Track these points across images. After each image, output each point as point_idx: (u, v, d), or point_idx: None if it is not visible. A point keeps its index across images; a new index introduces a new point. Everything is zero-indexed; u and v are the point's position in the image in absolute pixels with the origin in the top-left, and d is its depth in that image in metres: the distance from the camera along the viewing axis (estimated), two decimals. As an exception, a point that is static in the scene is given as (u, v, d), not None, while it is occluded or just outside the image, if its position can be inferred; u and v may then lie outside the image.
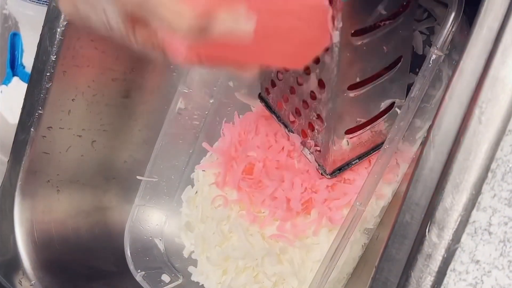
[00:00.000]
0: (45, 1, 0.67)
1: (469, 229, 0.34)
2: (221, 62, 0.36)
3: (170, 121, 0.63)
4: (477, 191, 0.34)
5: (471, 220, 0.34)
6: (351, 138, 0.48)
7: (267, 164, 0.57)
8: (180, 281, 0.63)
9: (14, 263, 0.58)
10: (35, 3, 0.68)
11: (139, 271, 0.62)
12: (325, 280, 0.46)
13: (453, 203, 0.34)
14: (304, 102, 0.47)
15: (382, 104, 0.48)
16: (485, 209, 0.34)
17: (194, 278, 0.62)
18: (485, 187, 0.34)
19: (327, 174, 0.52)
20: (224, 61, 0.36)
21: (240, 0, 0.32)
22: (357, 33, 0.40)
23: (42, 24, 0.56)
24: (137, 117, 0.65)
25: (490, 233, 0.34)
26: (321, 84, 0.44)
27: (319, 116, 0.46)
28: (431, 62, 0.42)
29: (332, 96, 0.43)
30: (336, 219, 0.53)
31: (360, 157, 0.52)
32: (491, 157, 0.34)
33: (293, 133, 0.54)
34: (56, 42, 0.55)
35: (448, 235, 0.34)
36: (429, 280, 0.35)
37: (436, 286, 0.35)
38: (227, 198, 0.59)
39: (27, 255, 0.58)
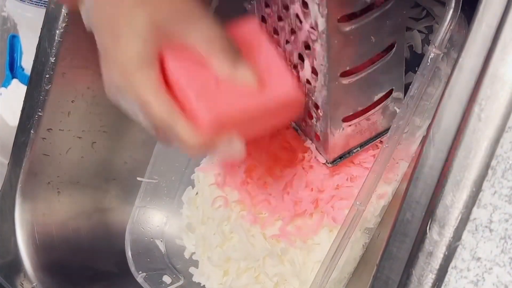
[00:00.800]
0: (44, 3, 0.67)
1: (470, 226, 0.34)
2: None
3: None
4: (477, 189, 0.34)
5: (471, 217, 0.34)
6: (349, 125, 0.48)
7: (271, 165, 0.57)
8: (181, 282, 0.63)
9: (15, 265, 0.58)
10: (33, 5, 0.68)
11: (140, 272, 0.62)
12: (326, 280, 0.46)
13: (454, 200, 0.34)
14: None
15: (379, 91, 0.48)
16: (486, 206, 0.34)
17: (195, 279, 0.62)
18: (486, 184, 0.34)
19: (328, 163, 0.52)
20: None
21: (232, 128, 0.42)
22: (345, 19, 0.40)
23: (41, 26, 0.56)
24: (137, 118, 0.65)
25: (491, 230, 0.34)
26: (314, 71, 0.43)
27: (316, 104, 0.46)
28: (429, 60, 0.42)
29: (325, 83, 0.43)
30: (339, 218, 0.53)
31: (362, 145, 0.52)
32: (491, 154, 0.34)
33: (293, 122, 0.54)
34: (55, 44, 0.55)
35: (449, 232, 0.34)
36: (430, 277, 0.35)
37: (437, 283, 0.35)
38: (227, 199, 0.59)
39: (28, 257, 0.58)
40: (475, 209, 0.34)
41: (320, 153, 0.53)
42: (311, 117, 0.49)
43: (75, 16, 0.55)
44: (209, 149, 0.42)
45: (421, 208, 0.36)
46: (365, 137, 0.51)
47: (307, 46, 0.42)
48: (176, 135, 0.41)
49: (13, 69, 0.75)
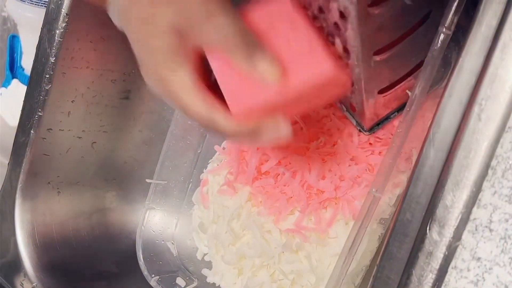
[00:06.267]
0: (44, 3, 0.67)
1: (470, 226, 0.34)
2: None
3: (176, 121, 0.62)
4: (477, 189, 0.34)
5: (471, 217, 0.34)
6: (385, 96, 0.47)
7: (282, 157, 0.56)
8: (195, 284, 0.62)
9: (15, 265, 0.58)
10: (34, 5, 0.68)
11: (153, 275, 0.62)
12: (344, 272, 0.45)
13: (454, 200, 0.34)
14: None
15: (414, 59, 0.46)
16: (486, 206, 0.34)
17: (209, 279, 0.61)
18: (486, 184, 0.34)
19: (365, 131, 0.52)
20: None
21: (277, 110, 0.41)
22: (375, 2, 0.38)
23: (41, 26, 0.56)
24: (137, 118, 0.65)
25: (491, 230, 0.34)
26: (346, 50, 0.42)
27: None
28: (440, 41, 0.40)
29: (358, 62, 0.42)
30: (356, 210, 0.52)
31: (399, 110, 0.51)
32: (491, 154, 0.34)
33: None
34: (55, 44, 0.55)
35: (449, 232, 0.34)
36: (430, 278, 0.35)
37: (437, 283, 0.35)
38: (234, 188, 0.58)
39: (28, 257, 0.58)
40: (475, 209, 0.34)
41: (357, 122, 0.52)
42: None
43: (75, 16, 0.55)
44: (254, 135, 0.42)
45: (421, 208, 0.36)
46: (403, 100, 0.50)
47: (336, 26, 0.40)
48: (217, 128, 0.41)
49: (13, 69, 0.75)
